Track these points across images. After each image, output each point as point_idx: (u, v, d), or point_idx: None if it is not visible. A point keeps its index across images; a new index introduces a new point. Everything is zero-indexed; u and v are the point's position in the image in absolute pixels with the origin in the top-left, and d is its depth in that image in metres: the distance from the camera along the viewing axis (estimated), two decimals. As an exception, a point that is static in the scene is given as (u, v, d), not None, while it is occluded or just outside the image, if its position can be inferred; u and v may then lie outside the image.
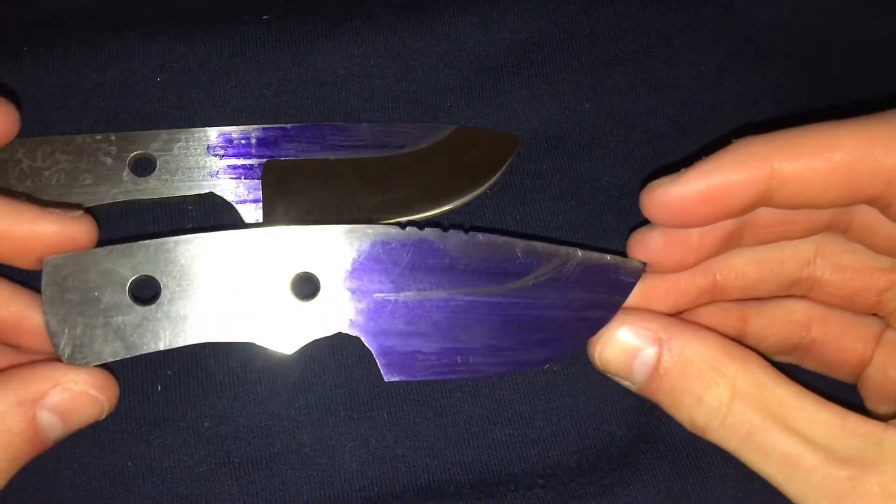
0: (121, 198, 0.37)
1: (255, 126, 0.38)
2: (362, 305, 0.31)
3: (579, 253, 0.32)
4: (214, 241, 0.30)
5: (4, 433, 0.28)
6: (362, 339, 0.31)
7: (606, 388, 0.38)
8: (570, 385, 0.38)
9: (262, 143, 0.38)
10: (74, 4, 0.41)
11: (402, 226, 0.31)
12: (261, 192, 0.37)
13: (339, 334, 0.31)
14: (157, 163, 0.37)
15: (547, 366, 0.38)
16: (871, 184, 0.29)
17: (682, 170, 0.30)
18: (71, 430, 0.30)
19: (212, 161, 0.38)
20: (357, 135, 0.39)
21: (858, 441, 0.28)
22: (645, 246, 0.32)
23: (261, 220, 0.37)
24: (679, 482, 0.37)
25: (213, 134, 0.38)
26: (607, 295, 0.32)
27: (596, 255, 0.32)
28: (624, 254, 0.33)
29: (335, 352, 0.37)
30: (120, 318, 0.30)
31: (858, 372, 0.36)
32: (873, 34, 0.44)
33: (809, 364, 0.37)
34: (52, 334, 0.30)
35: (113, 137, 0.37)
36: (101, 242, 0.37)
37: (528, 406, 0.37)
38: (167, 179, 0.37)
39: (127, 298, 0.30)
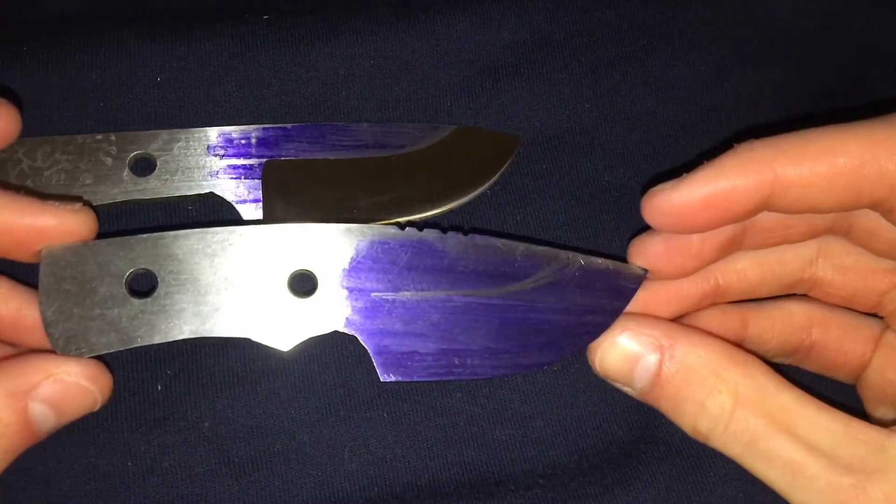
0: (121, 198, 0.37)
1: (255, 126, 0.38)
2: (359, 304, 0.31)
3: (580, 258, 0.31)
4: (213, 237, 0.30)
5: None
6: (359, 338, 0.31)
7: (606, 388, 0.37)
8: (570, 385, 0.38)
9: (262, 143, 0.38)
10: (74, 4, 0.41)
11: (402, 226, 0.31)
12: (261, 192, 0.37)
13: (337, 333, 0.31)
14: (157, 163, 0.37)
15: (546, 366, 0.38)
16: (875, 188, 0.28)
17: (684, 174, 0.29)
18: (64, 422, 0.30)
19: (212, 161, 0.38)
20: (357, 135, 0.39)
21: (861, 448, 0.27)
22: (645, 253, 0.32)
23: (261, 220, 0.37)
24: (679, 482, 0.37)
25: (213, 134, 0.38)
26: (608, 300, 0.31)
27: (597, 261, 0.32)
28: (624, 256, 0.33)
29: (335, 352, 0.37)
30: (116, 310, 0.30)
31: (858, 373, 0.35)
32: (873, 34, 0.44)
33: (809, 366, 0.37)
34: (47, 324, 0.30)
35: (113, 137, 0.37)
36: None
37: (528, 406, 0.37)
38: (167, 179, 0.37)
39: (123, 291, 0.30)
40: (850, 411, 0.29)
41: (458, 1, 0.42)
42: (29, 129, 0.38)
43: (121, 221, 0.38)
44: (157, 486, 0.35)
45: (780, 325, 0.35)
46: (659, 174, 0.41)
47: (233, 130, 0.38)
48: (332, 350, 0.37)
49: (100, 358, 0.30)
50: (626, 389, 0.31)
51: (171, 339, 0.30)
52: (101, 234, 0.37)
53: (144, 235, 0.30)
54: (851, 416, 0.28)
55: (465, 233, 0.31)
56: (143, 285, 0.31)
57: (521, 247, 0.32)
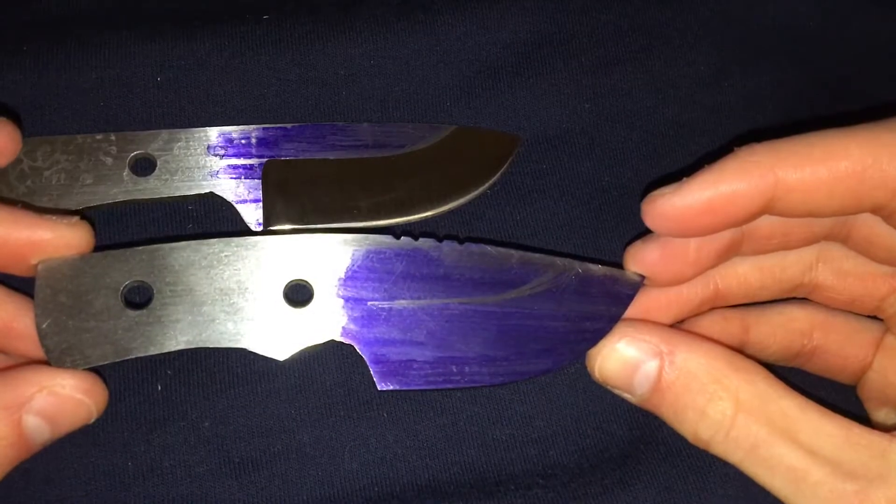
0: (121, 198, 0.37)
1: (255, 126, 0.38)
2: (355, 313, 0.31)
3: (576, 265, 0.31)
4: (208, 248, 0.30)
5: None
6: (356, 347, 0.31)
7: (606, 389, 0.38)
8: (570, 385, 0.38)
9: (262, 143, 0.38)
10: (74, 4, 0.41)
11: (397, 235, 0.31)
12: (261, 192, 0.37)
13: (333, 343, 0.31)
14: (157, 163, 0.37)
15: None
16: (877, 193, 0.28)
17: (684, 179, 0.29)
18: (59, 435, 0.30)
19: (212, 161, 0.38)
20: (357, 135, 0.39)
21: (863, 454, 0.27)
22: (641, 260, 0.31)
23: (260, 220, 0.37)
24: (679, 483, 0.37)
25: (213, 134, 0.38)
26: (605, 307, 0.31)
27: (593, 267, 0.32)
28: (623, 256, 0.33)
29: (335, 352, 0.37)
30: (111, 322, 0.30)
31: (859, 376, 0.35)
32: (873, 34, 0.44)
33: (810, 369, 0.36)
34: (42, 335, 0.30)
35: (113, 137, 0.37)
36: (101, 241, 0.37)
37: (528, 406, 0.37)
38: (167, 179, 0.37)
39: (119, 303, 0.30)
40: (849, 415, 0.29)
41: (458, 1, 0.42)
42: (29, 129, 0.38)
43: (121, 221, 0.38)
44: (157, 486, 0.35)
45: (782, 330, 0.35)
46: (660, 177, 0.41)
47: (233, 130, 0.38)
48: (331, 350, 0.37)
49: (96, 367, 0.30)
50: (626, 396, 0.31)
51: (166, 351, 0.30)
52: (102, 234, 0.37)
53: (140, 248, 0.30)
54: (852, 422, 0.28)
55: (461, 241, 0.31)
56: (139, 297, 0.31)
57: (517, 254, 0.32)
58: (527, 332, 0.31)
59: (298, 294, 0.31)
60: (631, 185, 0.41)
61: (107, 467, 0.35)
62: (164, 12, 0.41)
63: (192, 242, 0.30)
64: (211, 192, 0.37)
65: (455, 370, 0.31)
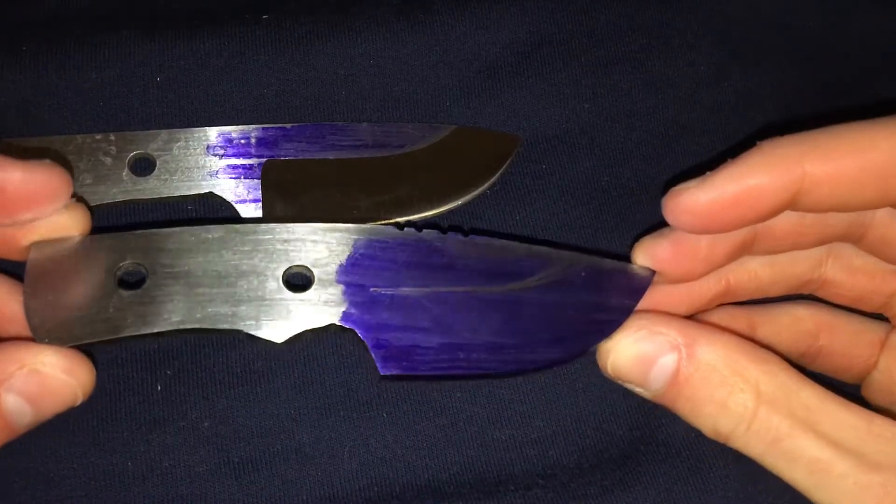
0: (120, 197, 0.37)
1: (254, 126, 0.38)
2: (357, 299, 0.30)
3: (584, 258, 0.31)
4: (206, 233, 0.30)
5: None
6: (357, 331, 0.30)
7: (606, 388, 0.38)
8: (570, 385, 0.38)
9: (261, 142, 0.38)
10: (74, 4, 0.41)
11: (400, 226, 0.31)
12: (260, 191, 0.37)
13: (334, 329, 0.31)
14: (157, 163, 0.37)
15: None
16: None
17: (708, 173, 0.29)
18: (42, 417, 0.28)
19: (211, 161, 0.38)
20: (357, 135, 0.39)
21: (887, 445, 0.27)
22: (653, 256, 0.31)
23: (260, 220, 0.37)
24: (680, 484, 0.36)
25: (213, 134, 0.38)
26: (617, 299, 0.31)
27: (603, 261, 0.31)
28: (624, 256, 0.32)
29: (335, 351, 0.37)
30: (103, 300, 0.29)
31: (863, 376, 0.35)
32: (873, 34, 0.44)
33: (814, 368, 0.36)
34: (28, 311, 0.29)
35: (112, 137, 0.37)
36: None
37: (528, 406, 0.37)
38: (167, 179, 0.37)
39: (112, 283, 0.29)
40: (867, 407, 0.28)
41: (458, 1, 0.42)
42: (29, 129, 0.38)
43: (120, 221, 0.38)
44: (157, 486, 0.35)
45: (788, 330, 0.35)
46: (671, 177, 0.41)
47: (232, 130, 0.38)
48: (332, 350, 0.37)
49: (92, 357, 0.30)
50: (639, 391, 0.30)
51: (159, 330, 0.29)
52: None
53: (137, 231, 0.30)
54: (873, 413, 0.28)
55: (466, 234, 0.31)
56: (133, 279, 0.30)
57: (523, 247, 0.31)
58: (535, 322, 0.31)
59: (298, 279, 0.31)
60: (630, 185, 0.41)
61: (107, 467, 0.35)
62: (164, 12, 0.41)
63: (190, 228, 0.30)
64: (210, 192, 0.37)
65: (461, 356, 0.30)
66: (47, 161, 0.28)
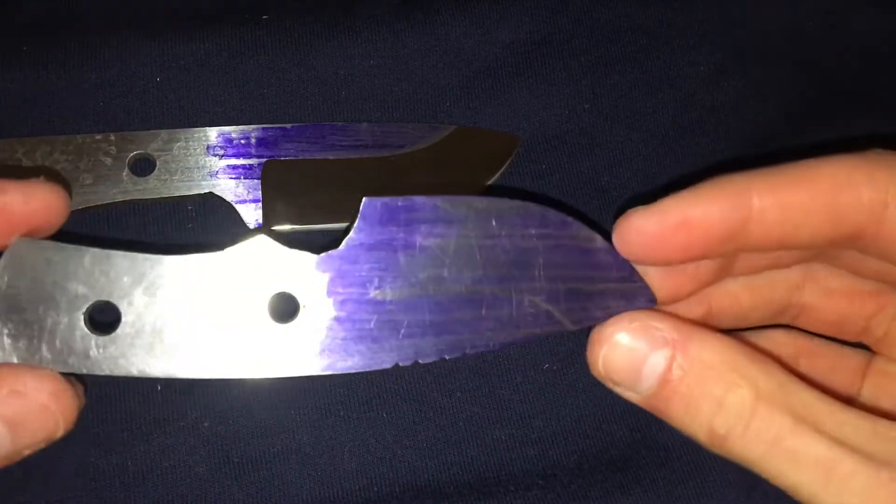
0: (120, 198, 0.37)
1: (254, 126, 0.38)
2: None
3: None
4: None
5: None
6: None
7: (606, 389, 0.37)
8: (570, 385, 0.38)
9: (261, 143, 0.38)
10: (74, 4, 0.41)
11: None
12: (260, 192, 0.37)
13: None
14: (157, 163, 0.37)
15: (546, 366, 0.38)
16: (854, 215, 0.27)
17: (657, 201, 0.28)
18: (19, 446, 0.26)
19: (211, 161, 0.38)
20: (357, 135, 0.39)
21: (894, 445, 0.26)
22: (644, 273, 0.30)
23: (260, 220, 0.37)
24: (680, 487, 0.37)
25: (213, 134, 0.38)
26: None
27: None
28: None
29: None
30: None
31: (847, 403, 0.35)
32: (873, 34, 0.44)
33: None
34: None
35: (112, 137, 0.37)
36: (100, 243, 0.37)
37: (528, 406, 0.37)
38: (167, 179, 0.37)
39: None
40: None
41: (458, 1, 0.42)
42: (29, 129, 0.38)
43: (120, 221, 0.38)
44: (157, 486, 0.35)
45: (768, 356, 0.34)
46: (675, 175, 0.40)
47: (232, 130, 0.38)
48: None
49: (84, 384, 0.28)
50: (629, 395, 0.29)
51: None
52: (102, 235, 0.37)
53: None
54: (876, 416, 0.27)
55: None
56: (106, 315, 0.27)
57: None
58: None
59: (284, 306, 0.28)
60: (630, 185, 0.41)
61: (107, 467, 0.35)
62: (164, 12, 0.41)
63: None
64: (210, 192, 0.37)
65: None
66: (43, 180, 0.27)
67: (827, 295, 0.33)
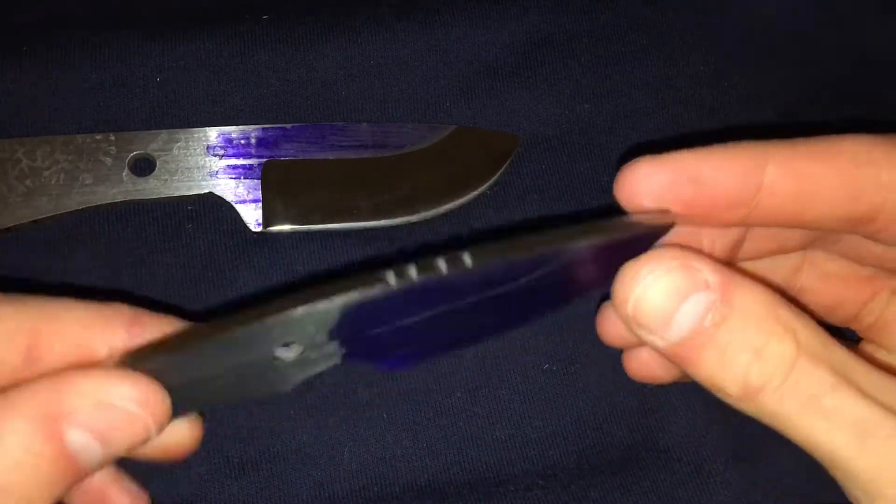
0: (120, 198, 0.37)
1: (254, 126, 0.38)
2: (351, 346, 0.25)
3: (586, 234, 0.25)
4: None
5: (25, 454, 0.22)
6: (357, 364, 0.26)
7: (606, 389, 0.38)
8: (570, 385, 0.38)
9: (261, 143, 0.38)
10: (75, 4, 0.41)
11: (388, 269, 0.24)
12: (260, 192, 0.37)
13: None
14: (157, 163, 0.37)
15: (546, 366, 0.38)
16: (870, 194, 0.26)
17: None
18: (112, 455, 0.24)
19: (211, 161, 0.38)
20: (357, 135, 0.39)
21: None
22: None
23: (260, 220, 0.37)
24: (680, 489, 0.36)
25: (213, 134, 0.38)
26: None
27: (608, 230, 0.25)
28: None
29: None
30: None
31: None
32: (873, 35, 0.44)
33: None
34: None
35: (112, 137, 0.37)
36: (101, 242, 0.37)
37: (528, 406, 0.37)
38: (167, 179, 0.37)
39: None
40: None
41: (458, 1, 0.42)
42: (29, 129, 0.38)
43: (120, 221, 0.38)
44: (157, 486, 0.35)
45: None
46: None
47: (232, 130, 0.38)
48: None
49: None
50: (652, 339, 0.25)
51: None
52: (101, 234, 0.37)
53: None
54: None
55: (461, 257, 0.25)
56: None
57: (522, 246, 0.25)
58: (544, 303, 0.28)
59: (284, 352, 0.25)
60: (631, 185, 0.40)
61: (106, 467, 0.35)
62: (164, 12, 0.41)
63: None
64: (210, 193, 0.37)
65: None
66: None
67: (824, 278, 0.32)
